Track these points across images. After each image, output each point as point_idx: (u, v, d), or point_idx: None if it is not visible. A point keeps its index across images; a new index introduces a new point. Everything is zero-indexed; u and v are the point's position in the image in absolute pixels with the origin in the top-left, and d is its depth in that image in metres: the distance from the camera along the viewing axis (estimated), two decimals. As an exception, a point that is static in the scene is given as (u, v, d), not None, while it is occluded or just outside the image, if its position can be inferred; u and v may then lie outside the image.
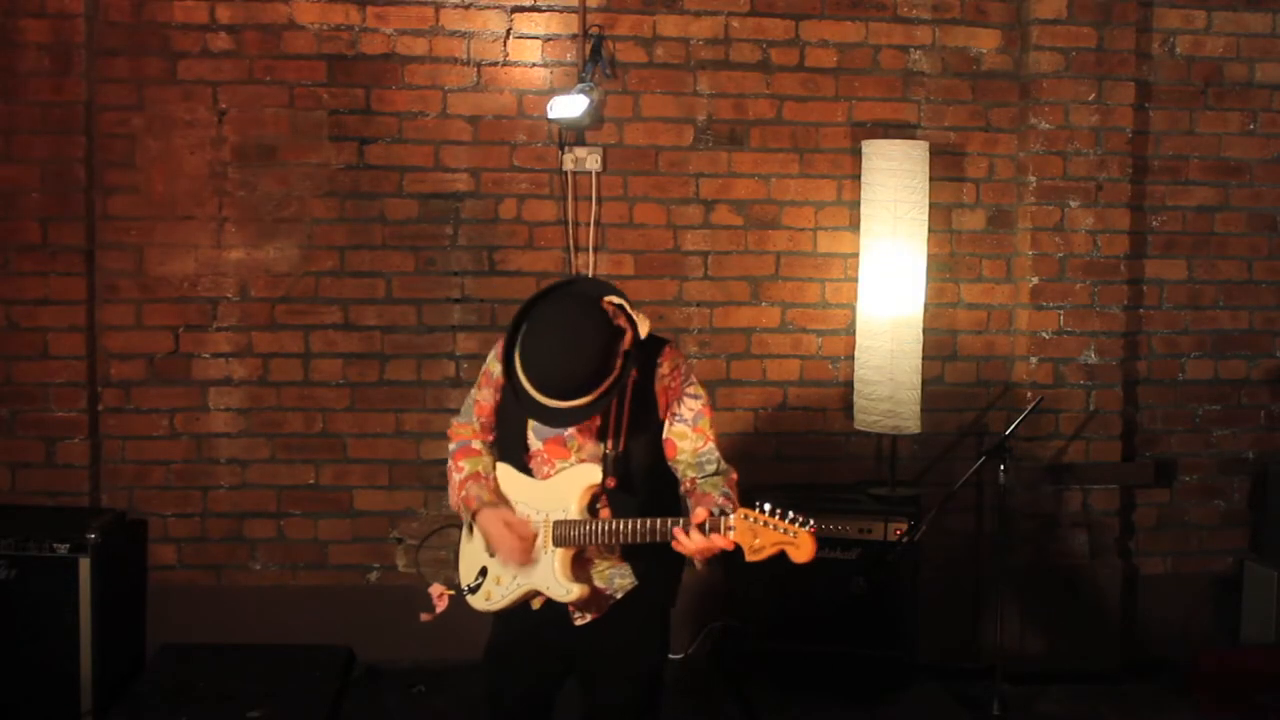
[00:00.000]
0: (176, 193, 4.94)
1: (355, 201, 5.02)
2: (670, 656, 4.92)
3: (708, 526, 2.83)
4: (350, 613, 5.01)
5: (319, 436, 5.05)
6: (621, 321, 2.98)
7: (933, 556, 5.09)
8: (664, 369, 3.09)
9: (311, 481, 5.06)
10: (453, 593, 3.27)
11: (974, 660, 5.08)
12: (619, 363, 2.95)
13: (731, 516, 2.80)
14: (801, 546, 2.77)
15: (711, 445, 3.12)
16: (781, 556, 2.80)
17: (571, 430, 3.07)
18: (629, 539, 2.95)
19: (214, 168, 4.95)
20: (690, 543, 2.84)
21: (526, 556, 3.09)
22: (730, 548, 2.83)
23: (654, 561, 3.15)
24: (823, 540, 4.67)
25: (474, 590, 3.23)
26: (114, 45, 4.88)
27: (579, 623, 3.14)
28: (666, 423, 3.10)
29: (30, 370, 4.85)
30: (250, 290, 5.00)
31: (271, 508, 5.05)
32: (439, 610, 3.27)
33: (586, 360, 2.88)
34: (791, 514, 2.78)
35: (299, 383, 5.03)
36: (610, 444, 3.04)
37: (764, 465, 5.13)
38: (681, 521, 2.88)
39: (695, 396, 3.11)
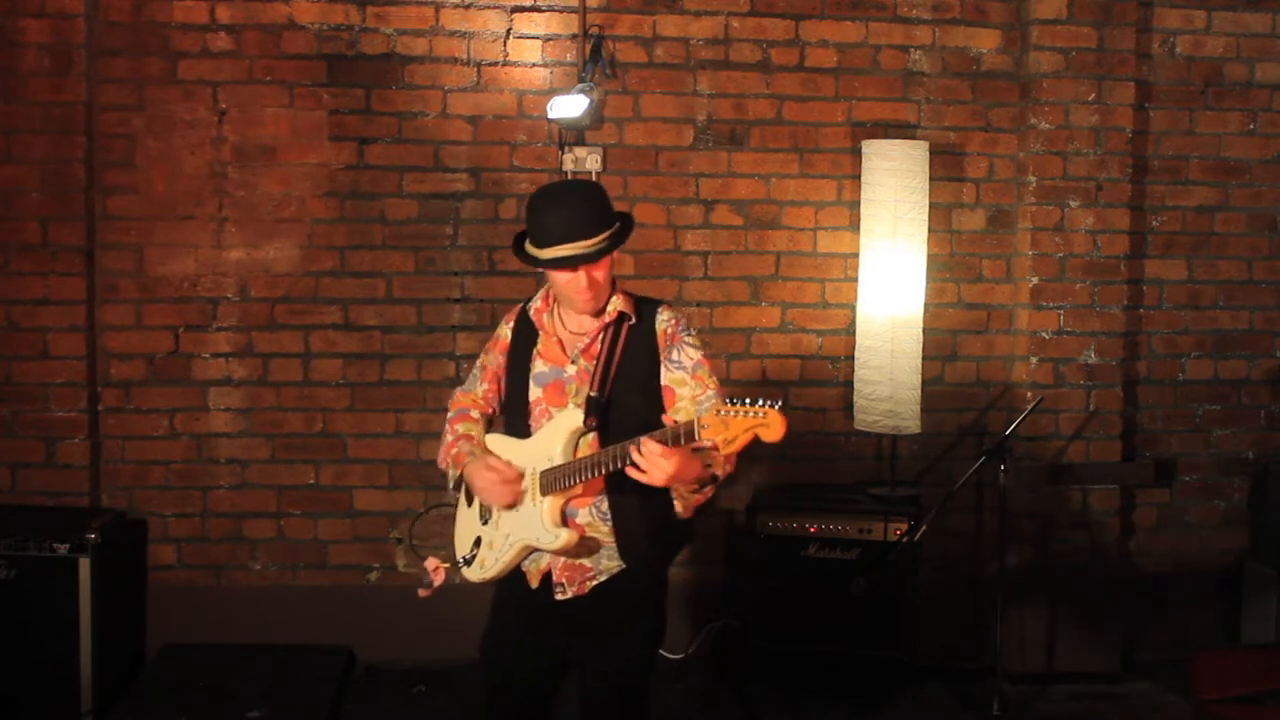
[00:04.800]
0: (176, 193, 4.94)
1: (355, 201, 5.02)
2: (670, 656, 4.95)
3: (682, 432, 2.82)
4: (350, 613, 5.01)
5: (319, 436, 5.05)
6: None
7: (933, 556, 5.09)
8: (664, 316, 3.19)
9: (311, 481, 5.06)
10: (448, 565, 3.29)
11: (974, 660, 5.08)
12: (615, 222, 3.11)
13: (704, 415, 2.78)
14: (771, 424, 2.73)
15: (712, 393, 3.13)
16: (755, 444, 2.77)
17: (570, 373, 3.15)
18: (609, 466, 2.96)
19: (214, 168, 4.95)
20: (641, 462, 2.83)
21: (511, 495, 3.14)
22: (677, 464, 2.82)
23: (645, 545, 3.16)
24: (823, 540, 4.74)
25: (469, 562, 3.25)
26: (114, 45, 4.88)
27: (560, 597, 3.15)
28: (663, 369, 3.14)
29: (30, 370, 4.85)
30: (250, 290, 5.00)
31: (271, 508, 5.05)
32: (436, 584, 3.29)
33: (586, 201, 3.08)
34: (761, 400, 2.76)
35: (299, 383, 5.03)
36: (595, 386, 3.09)
37: (764, 465, 5.13)
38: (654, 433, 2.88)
39: (695, 347, 3.18)
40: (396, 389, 5.06)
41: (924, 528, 4.59)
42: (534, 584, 3.21)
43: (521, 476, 3.15)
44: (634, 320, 3.17)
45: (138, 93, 4.91)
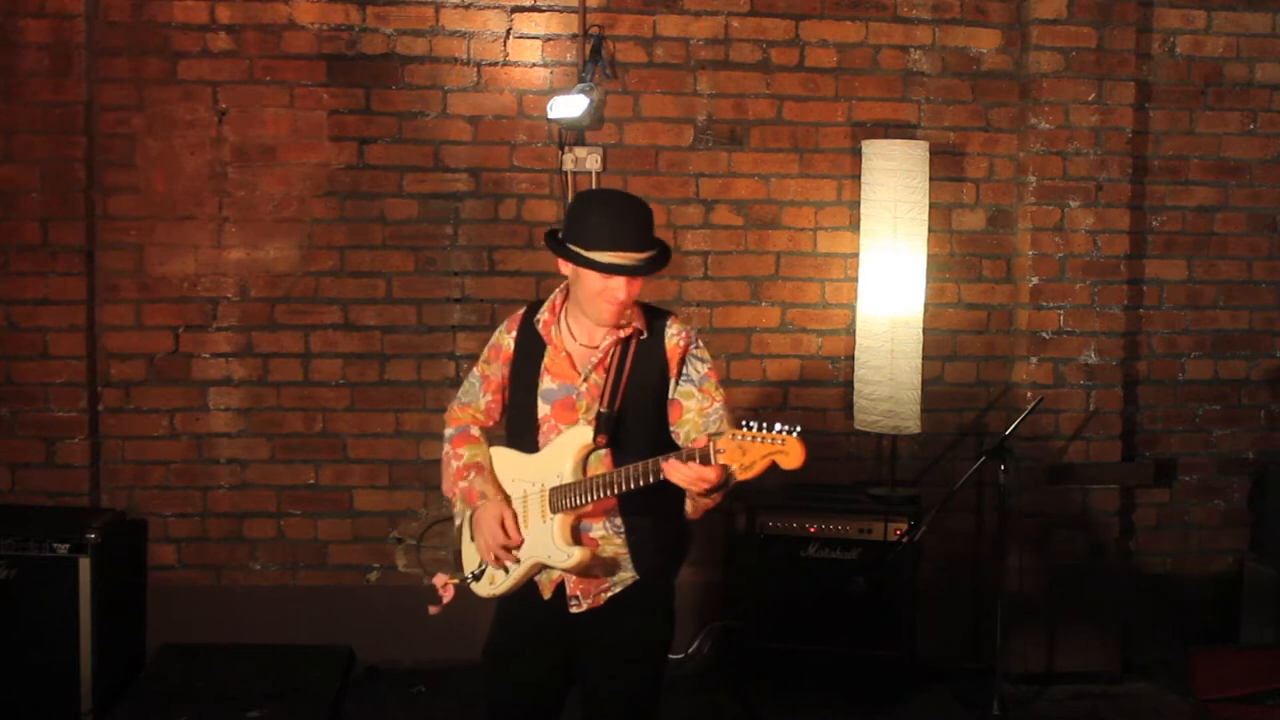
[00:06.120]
0: (176, 193, 4.94)
1: (355, 201, 5.02)
2: (671, 656, 4.94)
3: (698, 455, 2.80)
4: (350, 613, 5.01)
5: (319, 436, 5.05)
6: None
7: (933, 556, 5.09)
8: (673, 329, 3.14)
9: (311, 481, 5.06)
10: (457, 581, 3.26)
11: (974, 660, 5.08)
12: (658, 248, 3.07)
13: (719, 439, 2.77)
14: (791, 452, 2.73)
15: (719, 405, 3.11)
16: (772, 469, 2.76)
17: (581, 389, 3.10)
18: (623, 486, 2.94)
19: (214, 168, 4.95)
20: (679, 472, 2.82)
21: (502, 558, 3.11)
22: (717, 476, 2.80)
23: (658, 556, 3.15)
24: (823, 540, 4.74)
25: (478, 577, 3.22)
26: (114, 45, 4.88)
27: (575, 610, 3.13)
28: (672, 383, 3.11)
29: (30, 370, 4.85)
30: (250, 290, 5.00)
31: (271, 508, 5.05)
32: (445, 600, 3.26)
33: (641, 214, 3.05)
34: (778, 425, 2.74)
35: (299, 383, 5.03)
36: (605, 402, 3.06)
37: (764, 465, 5.12)
38: (670, 456, 2.86)
39: (703, 360, 3.14)
40: (396, 389, 5.06)
41: (924, 528, 4.59)
42: (546, 595, 3.16)
43: (521, 544, 3.12)
44: (645, 334, 3.13)
45: (138, 93, 4.91)
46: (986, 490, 5.16)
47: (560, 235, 3.10)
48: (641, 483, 2.91)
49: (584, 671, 3.22)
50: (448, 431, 3.33)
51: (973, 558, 5.28)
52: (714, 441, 2.77)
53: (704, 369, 3.13)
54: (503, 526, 3.10)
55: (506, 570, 3.15)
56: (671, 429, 3.12)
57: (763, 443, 2.73)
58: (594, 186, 5.03)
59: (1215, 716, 4.70)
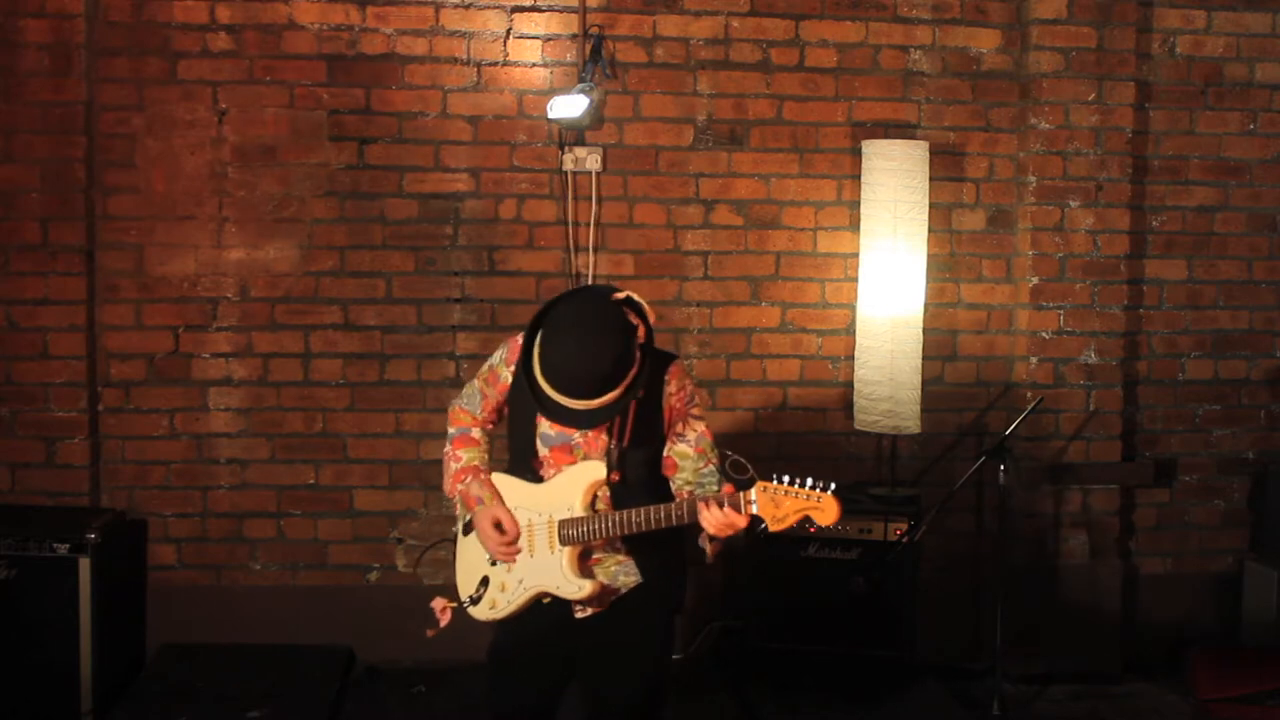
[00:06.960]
0: (176, 193, 4.94)
1: (355, 201, 5.02)
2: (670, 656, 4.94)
3: (726, 502, 2.87)
4: (350, 613, 5.01)
5: (319, 436, 5.05)
6: (633, 317, 3.01)
7: (933, 556, 5.09)
8: (671, 386, 3.12)
9: (311, 481, 5.06)
10: (455, 605, 3.27)
11: (974, 660, 5.08)
12: (637, 355, 2.99)
13: (751, 490, 2.84)
14: (826, 509, 2.82)
15: (713, 468, 3.15)
16: (804, 523, 2.85)
17: (578, 438, 3.09)
18: (642, 527, 2.96)
19: (214, 168, 4.95)
20: (713, 516, 2.87)
21: (508, 558, 3.14)
22: (746, 524, 2.87)
23: (659, 560, 3.16)
24: (823, 540, 4.74)
25: (476, 601, 3.23)
26: (114, 45, 4.88)
27: (579, 615, 3.14)
28: (669, 442, 3.14)
29: (30, 370, 4.84)
30: (250, 290, 5.00)
31: (271, 508, 5.05)
32: (443, 624, 3.28)
33: (608, 359, 2.91)
34: (810, 480, 2.83)
35: (299, 383, 5.03)
36: (614, 441, 3.06)
37: (764, 465, 5.08)
38: (698, 499, 2.91)
39: (700, 419, 3.16)
40: (396, 389, 5.06)
41: (924, 528, 4.59)
42: (544, 601, 3.17)
43: (519, 537, 3.14)
44: (642, 393, 3.06)
45: (138, 93, 4.91)
46: (986, 490, 5.16)
47: (539, 320, 3.04)
48: (663, 525, 2.94)
49: (587, 672, 3.22)
50: (450, 431, 3.34)
51: (973, 558, 5.28)
52: (746, 492, 2.84)
53: (701, 428, 3.15)
54: (497, 527, 3.13)
55: (519, 582, 3.16)
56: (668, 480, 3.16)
57: (796, 498, 2.82)
58: (594, 187, 5.04)
59: (1215, 716, 4.70)
